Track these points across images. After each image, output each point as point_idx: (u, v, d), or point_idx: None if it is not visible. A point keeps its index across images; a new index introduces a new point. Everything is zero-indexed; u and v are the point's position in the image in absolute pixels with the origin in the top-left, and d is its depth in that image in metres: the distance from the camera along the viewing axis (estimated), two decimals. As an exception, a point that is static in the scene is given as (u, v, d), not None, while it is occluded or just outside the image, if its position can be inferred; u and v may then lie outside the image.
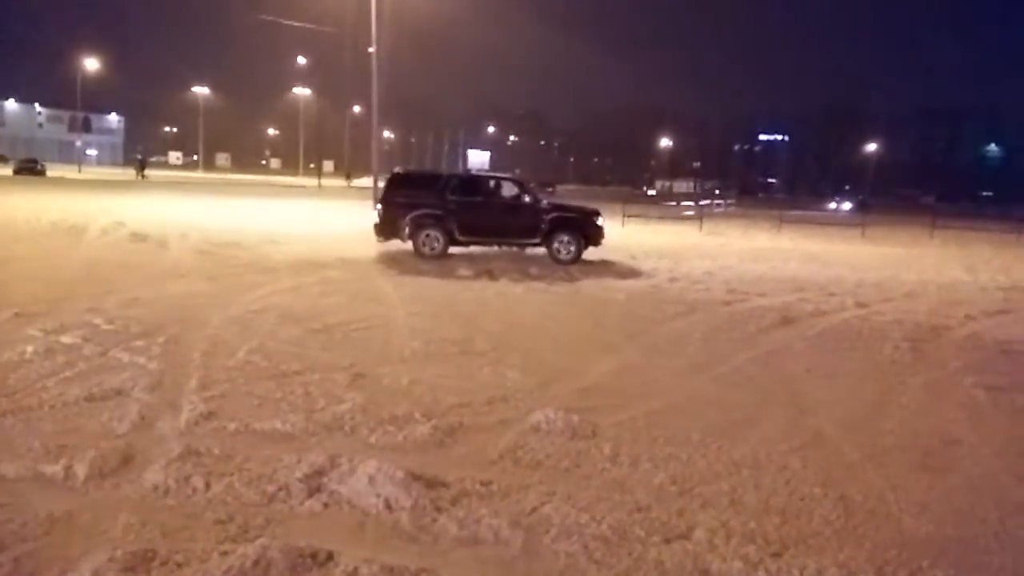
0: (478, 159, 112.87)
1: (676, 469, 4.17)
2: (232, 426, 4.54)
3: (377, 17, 31.26)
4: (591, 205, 16.71)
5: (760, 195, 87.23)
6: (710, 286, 11.76)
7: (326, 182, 66.10)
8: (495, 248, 14.59)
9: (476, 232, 13.94)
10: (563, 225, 13.96)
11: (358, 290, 9.87)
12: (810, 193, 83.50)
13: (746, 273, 13.90)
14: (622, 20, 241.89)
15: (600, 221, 14.42)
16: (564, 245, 13.82)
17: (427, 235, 13.74)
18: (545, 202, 14.75)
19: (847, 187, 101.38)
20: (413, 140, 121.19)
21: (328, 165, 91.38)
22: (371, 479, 3.75)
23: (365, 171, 43.58)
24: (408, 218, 13.73)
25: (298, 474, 3.83)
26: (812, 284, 12.66)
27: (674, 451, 4.43)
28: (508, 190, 14.61)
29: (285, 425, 4.58)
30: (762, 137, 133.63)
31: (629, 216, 27.23)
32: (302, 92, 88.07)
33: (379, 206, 14.19)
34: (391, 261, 13.02)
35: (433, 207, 13.75)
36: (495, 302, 9.47)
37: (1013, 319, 10.11)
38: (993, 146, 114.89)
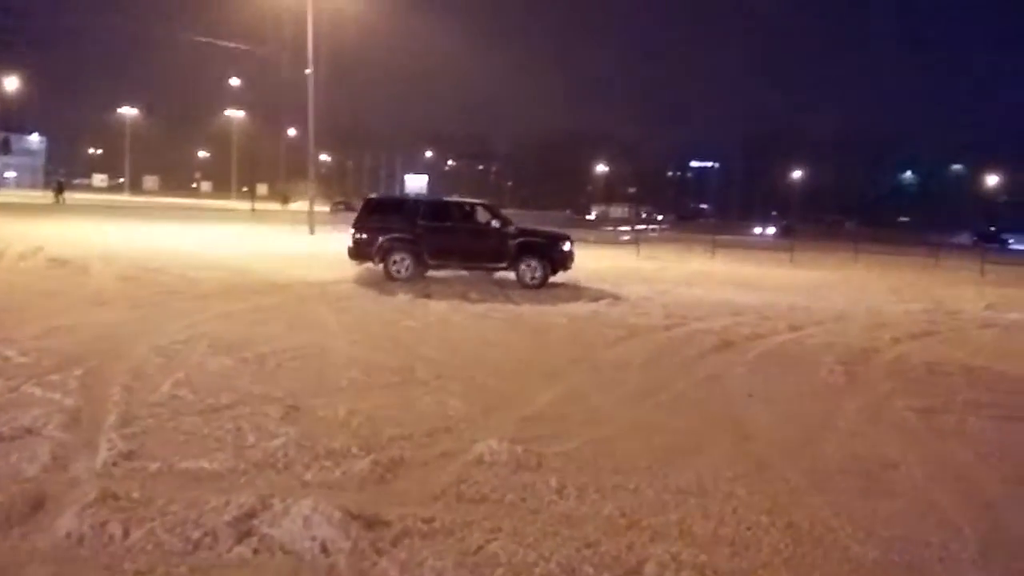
0: (415, 183, 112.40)
1: (624, 500, 4.08)
2: (154, 466, 4.24)
3: (313, 39, 31.02)
4: (560, 230, 16.99)
5: (703, 220, 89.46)
6: (649, 310, 11.84)
7: (260, 206, 64.71)
8: (465, 272, 14.70)
9: (445, 256, 14.24)
10: (529, 250, 14.23)
11: (293, 317, 9.57)
12: (740, 219, 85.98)
13: (683, 297, 14.08)
14: (559, 48, 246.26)
15: (567, 246, 14.70)
16: (531, 269, 14.06)
17: (397, 259, 14.07)
18: (513, 227, 14.81)
19: (774, 213, 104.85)
20: (350, 164, 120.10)
21: (262, 188, 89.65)
22: (306, 520, 3.54)
23: (303, 194, 42.84)
24: (379, 242, 14.11)
25: (226, 517, 3.58)
26: (747, 308, 12.89)
27: (621, 481, 4.35)
28: (476, 215, 14.86)
29: (212, 464, 4.31)
30: (694, 164, 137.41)
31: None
32: (235, 114, 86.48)
33: (352, 230, 14.55)
34: (328, 287, 12.71)
35: (403, 232, 14.13)
36: (436, 328, 9.31)
37: (937, 341, 10.46)
38: (909, 173, 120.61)
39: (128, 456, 4.37)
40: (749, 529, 3.78)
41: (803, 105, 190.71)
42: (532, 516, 3.83)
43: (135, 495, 3.84)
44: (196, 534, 3.45)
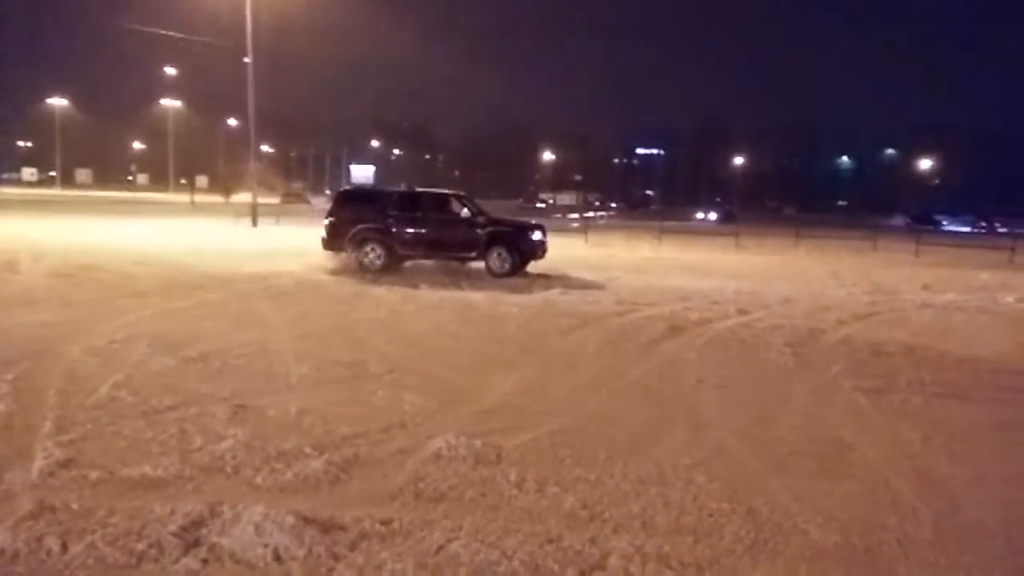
0: (361, 173, 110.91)
1: (585, 492, 4.03)
2: (94, 474, 4.03)
3: (253, 27, 30.17)
4: (533, 220, 17.08)
5: (652, 207, 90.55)
6: (600, 298, 11.87)
7: (200, 198, 63.02)
8: (437, 262, 14.82)
9: (416, 246, 14.48)
10: (498, 240, 14.36)
11: (239, 313, 9.28)
12: (686, 205, 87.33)
13: (633, 284, 14.17)
14: (505, 37, 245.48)
15: (537, 235, 14.82)
16: (500, 259, 14.24)
17: (369, 249, 14.37)
18: (483, 218, 14.83)
19: (718, 199, 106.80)
20: (293, 155, 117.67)
21: (202, 181, 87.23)
22: (257, 527, 3.39)
23: (247, 186, 41.76)
24: (351, 233, 14.39)
25: (172, 527, 3.41)
26: (695, 293, 13.03)
27: (581, 472, 4.30)
28: (448, 206, 15.00)
29: (157, 470, 4.11)
30: (639, 151, 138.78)
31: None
32: (171, 104, 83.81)
33: (326, 221, 14.83)
34: (272, 280, 12.38)
35: (375, 222, 14.42)
36: (388, 321, 9.14)
37: (879, 322, 10.73)
38: (845, 159, 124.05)
39: (65, 464, 4.15)
40: (711, 516, 3.77)
41: (744, 93, 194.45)
42: (493, 512, 3.75)
43: (74, 506, 3.64)
44: (140, 546, 3.27)
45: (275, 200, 51.11)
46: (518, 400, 5.82)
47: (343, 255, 14.63)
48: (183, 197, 65.14)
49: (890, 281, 16.81)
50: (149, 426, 4.83)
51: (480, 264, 14.57)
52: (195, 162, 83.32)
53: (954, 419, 5.72)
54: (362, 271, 14.02)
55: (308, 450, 4.48)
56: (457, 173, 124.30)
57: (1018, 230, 55.49)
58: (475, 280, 13.62)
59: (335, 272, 13.86)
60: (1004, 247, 28.21)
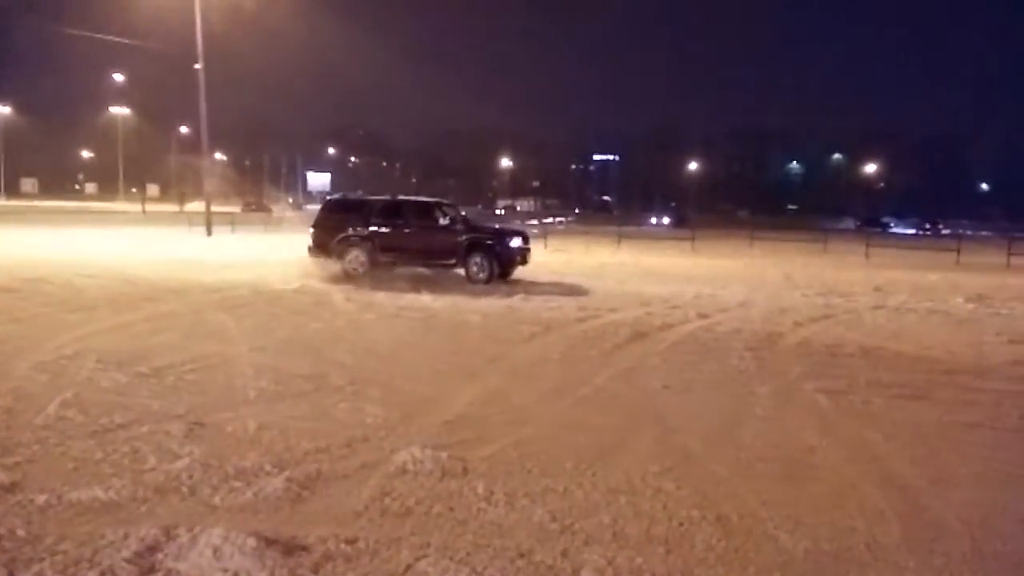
0: (318, 181, 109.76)
1: (554, 503, 3.97)
2: (41, 499, 3.83)
3: (204, 33, 29.61)
4: (515, 227, 17.30)
5: (614, 212, 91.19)
6: (561, 303, 11.86)
7: (152, 207, 61.59)
8: (424, 270, 14.98)
9: (397, 254, 14.76)
10: (477, 247, 14.56)
11: (193, 325, 9.02)
12: (642, 210, 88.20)
13: (593, 289, 14.20)
14: (461, 44, 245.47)
15: (515, 242, 14.98)
16: (478, 266, 14.42)
17: (352, 256, 14.72)
18: (461, 225, 15.07)
19: (673, 204, 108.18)
20: (247, 162, 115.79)
21: (153, 189, 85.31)
22: (216, 551, 3.26)
23: (200, 194, 40.94)
24: (336, 240, 14.82)
25: (125, 553, 3.25)
26: (655, 298, 13.11)
27: (550, 483, 4.24)
28: (428, 214, 15.21)
29: (108, 492, 3.93)
30: (596, 157, 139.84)
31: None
32: (120, 111, 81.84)
33: (312, 229, 15.37)
34: (228, 291, 12.10)
35: (358, 230, 14.81)
36: (347, 332, 8.97)
37: (834, 323, 10.91)
38: (795, 164, 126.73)
39: (11, 489, 3.94)
40: (681, 525, 3.74)
41: (696, 100, 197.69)
42: (461, 527, 3.66)
43: (20, 533, 3.45)
44: (92, 574, 3.11)
45: (232, 208, 50.24)
46: (482, 410, 5.74)
47: (330, 262, 14.94)
48: (134, 206, 63.63)
49: (843, 283, 17.15)
50: (99, 446, 4.63)
51: (461, 271, 14.66)
52: (146, 170, 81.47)
53: (913, 420, 5.81)
54: (348, 278, 14.22)
55: (268, 467, 4.34)
56: (415, 180, 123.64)
57: (961, 232, 57.48)
58: (438, 287, 13.52)
59: (292, 281, 13.61)
60: (950, 248, 29.08)
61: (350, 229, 14.86)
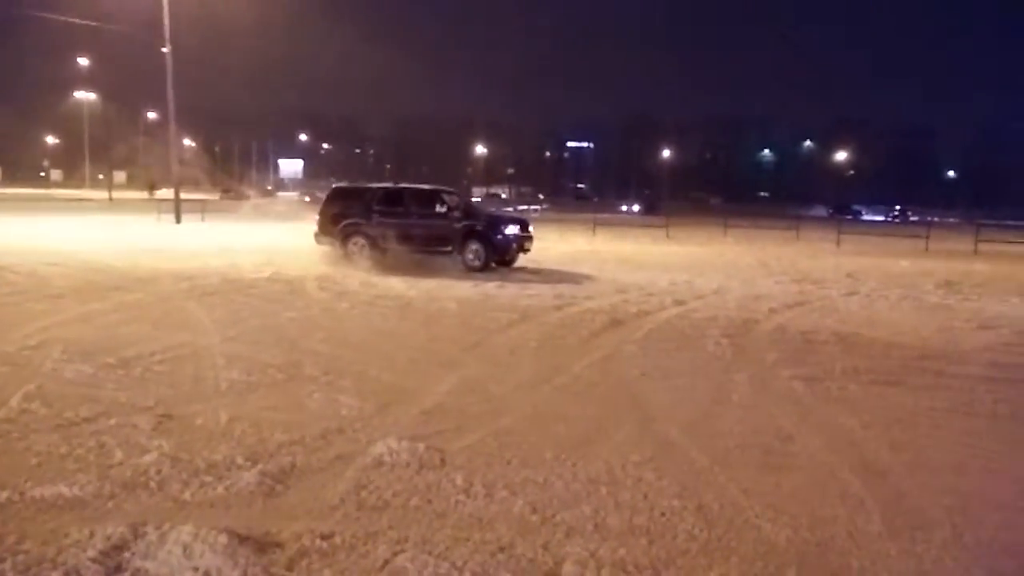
0: (290, 168, 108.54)
1: (534, 494, 3.91)
2: (3, 495, 3.69)
3: (172, 15, 28.95)
4: (513, 214, 17.32)
5: (595, 199, 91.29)
6: (538, 291, 11.80)
7: (120, 195, 60.43)
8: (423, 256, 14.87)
9: (397, 241, 14.76)
10: (472, 235, 14.72)
11: (162, 315, 8.82)
12: (618, 197, 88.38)
13: (570, 276, 14.16)
14: (435, 31, 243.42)
15: (511, 230, 15.07)
16: (474, 254, 14.60)
17: (354, 243, 15.00)
18: (459, 212, 15.17)
19: (646, 191, 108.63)
20: (217, 149, 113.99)
21: (120, 176, 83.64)
22: (186, 548, 3.15)
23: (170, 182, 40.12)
24: (339, 227, 15.19)
25: (91, 552, 3.13)
26: (631, 285, 13.11)
27: (529, 474, 4.18)
28: (426, 201, 15.34)
29: (73, 488, 3.79)
30: (570, 144, 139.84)
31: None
32: (86, 96, 79.95)
33: (318, 216, 15.72)
34: (197, 280, 11.86)
35: (360, 217, 15.12)
36: (322, 320, 8.83)
37: (808, 310, 10.98)
38: (767, 151, 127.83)
39: (-32, 487, 3.79)
40: (663, 515, 3.70)
41: (670, 87, 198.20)
42: (440, 520, 3.59)
43: (-22, 533, 3.31)
44: (56, 574, 2.99)
45: (203, 195, 49.40)
46: (460, 400, 5.66)
47: (335, 248, 15.19)
48: (100, 193, 62.35)
49: (816, 270, 17.31)
50: (64, 440, 4.48)
51: (459, 258, 14.77)
52: (113, 157, 79.69)
53: (889, 406, 5.83)
54: (350, 264, 14.40)
55: (240, 461, 4.22)
56: (389, 167, 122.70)
57: (929, 218, 58.41)
58: (412, 273, 13.41)
59: (264, 269, 13.39)
60: (919, 235, 29.49)
61: (353, 216, 15.15)
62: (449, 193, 16.16)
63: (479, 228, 14.89)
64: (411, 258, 14.66)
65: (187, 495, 3.79)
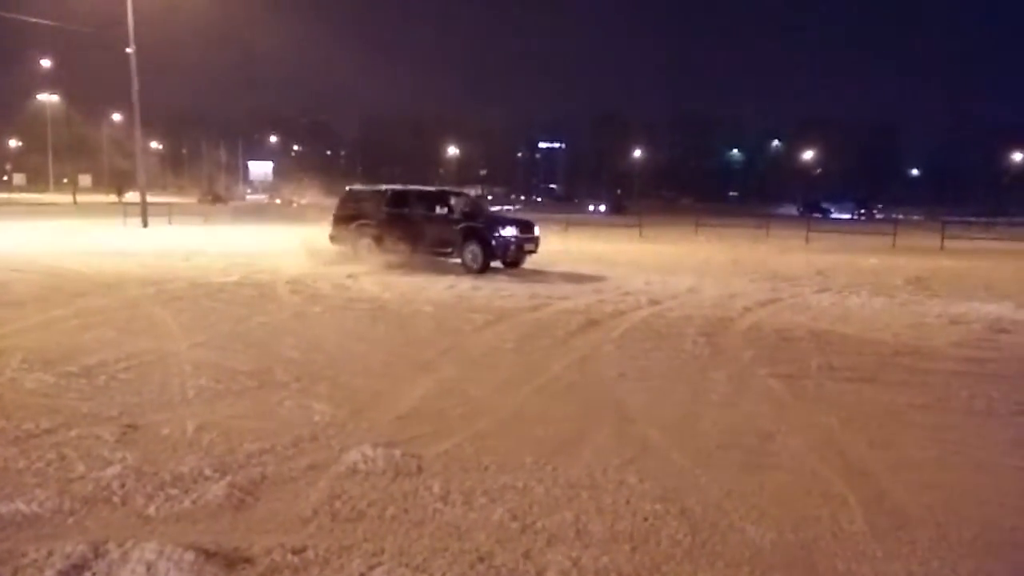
0: (260, 170, 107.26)
1: (514, 501, 3.81)
2: (-45, 515, 3.51)
3: (137, 15, 28.39)
4: (515, 216, 17.40)
5: (576, 201, 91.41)
6: (514, 292, 11.71)
7: (85, 198, 59.28)
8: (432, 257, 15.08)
9: (402, 242, 14.93)
10: (471, 236, 14.75)
11: (127, 320, 8.58)
12: (590, 197, 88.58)
13: (544, 276, 14.09)
14: (405, 31, 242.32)
15: (508, 231, 14.95)
16: (472, 255, 14.61)
17: (364, 244, 15.35)
18: (459, 214, 15.19)
19: (618, 190, 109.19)
20: (184, 151, 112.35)
21: (85, 180, 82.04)
22: (150, 567, 3.00)
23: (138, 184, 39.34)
24: (351, 228, 15.62)
25: (49, 572, 2.98)
26: (606, 284, 13.07)
27: (508, 480, 4.08)
28: (430, 203, 15.49)
29: (31, 505, 3.62)
30: (542, 145, 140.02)
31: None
32: (49, 99, 78.27)
33: (333, 217, 16.28)
34: (165, 284, 11.59)
35: (370, 219, 15.49)
36: (293, 324, 8.65)
37: (781, 307, 11.02)
38: (736, 151, 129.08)
39: (-82, 505, 3.60)
40: (646, 520, 3.62)
41: (639, 88, 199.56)
42: (417, 530, 3.47)
43: (-72, 555, 3.13)
44: (10, 598, 2.83)
45: (175, 199, 48.66)
46: (436, 404, 5.54)
47: (348, 250, 15.53)
48: (65, 197, 61.08)
49: (787, 268, 17.43)
50: (22, 453, 4.29)
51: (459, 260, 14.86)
52: (78, 160, 78.21)
53: (866, 402, 5.83)
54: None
55: (208, 472, 4.07)
56: (360, 169, 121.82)
57: (894, 215, 59.38)
58: (386, 275, 13.25)
59: (233, 273, 13.14)
60: (886, 232, 29.93)
61: (364, 218, 15.52)
62: (457, 195, 16.51)
63: (478, 229, 14.87)
64: (417, 259, 14.86)
65: (152, 509, 3.63)
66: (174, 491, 3.83)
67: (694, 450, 4.64)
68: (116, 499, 3.75)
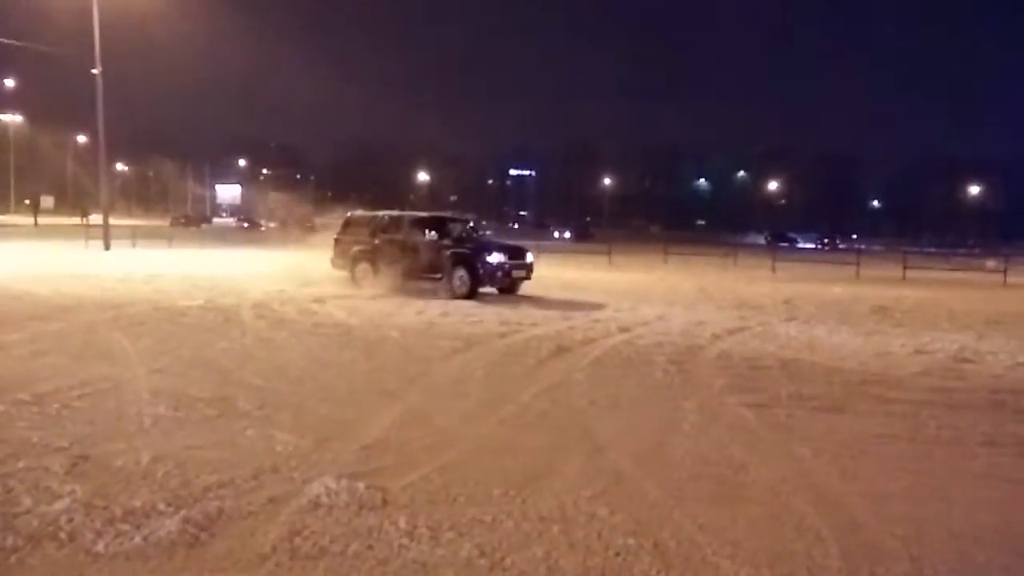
0: (228, 193, 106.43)
1: (482, 536, 3.68)
2: None
3: (104, 36, 28.10)
4: (504, 242, 17.41)
5: (549, 227, 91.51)
6: (482, 318, 11.61)
7: (47, 220, 58.04)
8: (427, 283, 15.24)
9: (395, 266, 15.10)
10: (459, 261, 14.76)
11: (84, 346, 8.31)
12: (561, 225, 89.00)
13: (514, 303, 14.02)
14: (376, 58, 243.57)
15: (495, 258, 14.87)
16: (460, 281, 14.60)
17: (361, 268, 15.58)
18: (449, 239, 15.22)
19: (588, 218, 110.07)
20: (151, 174, 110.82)
21: (48, 201, 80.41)
22: (97, 610, 2.82)
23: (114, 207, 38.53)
24: (349, 253, 15.87)
25: (-15, 618, 2.79)
26: (576, 312, 13.03)
27: (477, 513, 3.95)
28: (421, 228, 15.59)
29: (-30, 543, 3.41)
30: (512, 172, 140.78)
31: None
32: (11, 118, 76.85)
33: (334, 242, 16.58)
34: (124, 308, 11.29)
35: (366, 244, 15.73)
36: (257, 350, 8.45)
37: (750, 336, 11.06)
38: (702, 181, 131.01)
39: None
40: (618, 556, 3.52)
41: (609, 116, 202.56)
42: (381, 568, 3.33)
43: None
44: (-60, 646, 2.64)
45: (146, 222, 47.84)
46: (403, 434, 5.40)
47: (347, 274, 15.82)
48: (27, 219, 59.73)
49: (754, 296, 17.58)
50: (-36, 487, 4.06)
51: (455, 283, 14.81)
52: (40, 181, 76.70)
53: (836, 432, 5.81)
54: (358, 289, 14.87)
55: (162, 506, 3.88)
56: (330, 194, 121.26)
57: (856, 246, 60.65)
58: (349, 301, 13.06)
59: (197, 296, 12.86)
60: (849, 262, 30.44)
61: (361, 243, 15.76)
62: (451, 220, 16.77)
63: (465, 255, 14.86)
64: (410, 285, 14.98)
65: (100, 546, 3.44)
66: (125, 527, 3.64)
67: (666, 481, 4.56)
68: (63, 535, 3.55)
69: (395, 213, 16.81)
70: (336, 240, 16.49)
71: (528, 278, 15.84)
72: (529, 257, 15.87)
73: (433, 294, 14.62)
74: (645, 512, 4.06)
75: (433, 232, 15.38)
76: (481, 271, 14.67)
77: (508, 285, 15.35)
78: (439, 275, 14.88)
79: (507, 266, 15.07)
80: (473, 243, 15.73)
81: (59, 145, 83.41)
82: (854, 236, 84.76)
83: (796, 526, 3.91)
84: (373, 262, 15.42)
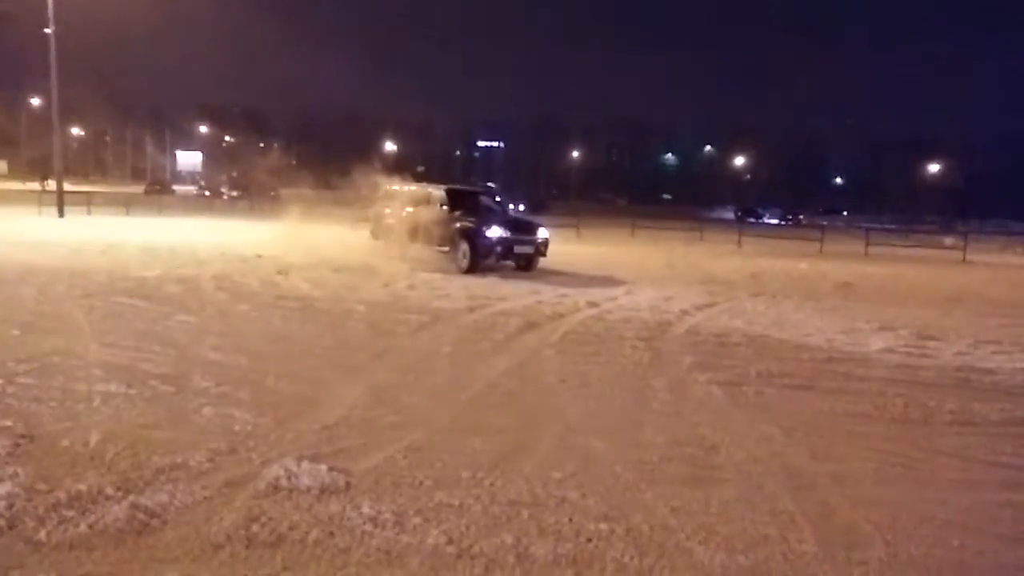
0: (188, 160, 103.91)
1: (450, 521, 3.55)
2: None
3: (52, -7, 26.91)
4: (510, 216, 17.47)
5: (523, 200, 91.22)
6: (450, 292, 11.43)
7: (0, 185, 56.01)
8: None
9: (416, 239, 15.57)
10: (463, 235, 14.79)
11: (33, 318, 7.95)
12: (528, 198, 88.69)
13: (481, 276, 13.85)
14: (343, 24, 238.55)
15: (495, 233, 14.59)
16: (463, 253, 14.65)
17: (391, 240, 16.19)
18: (459, 211, 15.22)
19: (554, 191, 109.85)
20: (108, 139, 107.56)
21: (1, 166, 77.81)
22: (34, 607, 2.63)
23: (75, 173, 37.28)
24: (381, 226, 16.97)
25: (-89, 616, 2.58)
26: (544, 286, 12.91)
27: (444, 497, 3.81)
28: (440, 200, 15.63)
29: (-101, 532, 3.18)
30: (480, 143, 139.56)
31: (360, 220, 26.41)
32: (-41, 79, 73.75)
33: (371, 215, 17.58)
34: (77, 278, 10.87)
35: (392, 217, 16.41)
36: (216, 323, 8.17)
37: (718, 311, 11.04)
38: (670, 155, 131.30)
39: None
40: (590, 541, 3.41)
41: (578, 88, 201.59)
42: (343, 557, 3.18)
43: None
44: None
45: (91, 188, 46.39)
46: (367, 412, 5.23)
47: (382, 245, 16.47)
48: (-25, 184, 57.61)
49: (721, 271, 17.63)
50: None
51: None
52: (-11, 144, 73.99)
53: (806, 411, 5.78)
54: (391, 259, 15.16)
55: (110, 491, 3.67)
56: (294, 163, 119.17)
57: (820, 222, 61.46)
58: (319, 274, 12.76)
59: (155, 267, 12.46)
60: (813, 238, 30.76)
61: (392, 216, 16.38)
62: (468, 193, 16.87)
63: (467, 229, 14.78)
64: (428, 256, 15.20)
65: (42, 535, 3.24)
66: (69, 513, 3.43)
67: (638, 462, 4.47)
68: (2, 522, 3.33)
69: (419, 185, 17.21)
70: (374, 213, 17.26)
71: (543, 254, 15.60)
72: (542, 233, 15.49)
73: (437, 265, 14.71)
74: (617, 495, 3.96)
75: (445, 204, 15.43)
76: (480, 245, 14.47)
77: (525, 263, 15.16)
78: (447, 248, 15.02)
79: (511, 241, 14.83)
80: (478, 217, 15.38)
81: (15, 109, 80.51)
82: (844, 212, 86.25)
83: (770, 510, 3.84)
84: (399, 234, 15.90)
